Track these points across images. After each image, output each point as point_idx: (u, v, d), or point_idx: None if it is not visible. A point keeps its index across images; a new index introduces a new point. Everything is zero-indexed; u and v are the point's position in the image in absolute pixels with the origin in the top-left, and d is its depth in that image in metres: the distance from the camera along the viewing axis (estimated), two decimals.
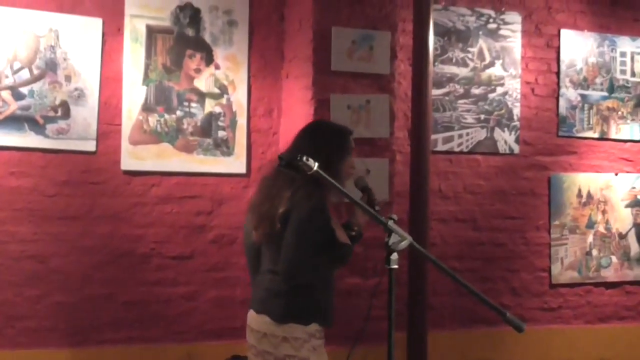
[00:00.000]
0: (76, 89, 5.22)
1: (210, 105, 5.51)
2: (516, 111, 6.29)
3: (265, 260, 3.63)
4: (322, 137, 3.69)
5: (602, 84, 6.60)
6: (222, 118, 5.53)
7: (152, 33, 5.40)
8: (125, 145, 5.32)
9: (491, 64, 6.25)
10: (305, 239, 3.37)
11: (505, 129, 6.26)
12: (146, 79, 5.38)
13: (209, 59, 5.51)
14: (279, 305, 3.52)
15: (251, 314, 3.67)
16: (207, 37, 5.51)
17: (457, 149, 6.13)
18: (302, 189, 3.42)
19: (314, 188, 3.43)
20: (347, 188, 3.52)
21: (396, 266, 2.84)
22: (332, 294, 3.73)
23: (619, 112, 6.63)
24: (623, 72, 6.67)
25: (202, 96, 5.49)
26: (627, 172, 6.65)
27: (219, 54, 5.54)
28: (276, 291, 3.52)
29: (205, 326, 5.52)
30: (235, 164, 5.56)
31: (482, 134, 6.20)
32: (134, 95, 5.35)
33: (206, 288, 5.52)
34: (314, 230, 3.40)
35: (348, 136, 3.73)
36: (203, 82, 5.50)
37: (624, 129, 6.64)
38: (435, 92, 5.93)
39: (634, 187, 6.65)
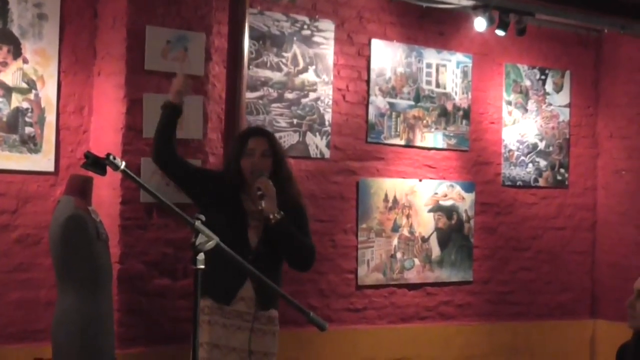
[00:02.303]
0: None
1: (17, 100, 5.31)
2: (328, 117, 6.45)
3: None
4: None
5: (409, 93, 6.87)
6: (29, 114, 5.34)
7: None
8: None
9: (305, 70, 6.38)
10: None
11: (317, 133, 6.40)
12: None
13: (16, 52, 5.32)
14: None
15: None
16: (14, 30, 5.31)
17: None
18: None
19: None
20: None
21: (202, 266, 2.86)
22: (224, 270, 3.95)
23: (424, 121, 6.92)
24: (429, 82, 6.98)
25: (8, 90, 5.28)
26: (431, 178, 6.95)
27: (27, 48, 5.35)
28: None
29: (6, 329, 5.30)
30: (42, 161, 5.39)
31: (294, 138, 6.31)
32: None
33: (8, 290, 5.30)
34: None
35: (243, 139, 4.41)
36: (10, 76, 5.29)
37: (429, 137, 6.94)
38: (249, 95, 5.99)
39: (436, 193, 6.96)
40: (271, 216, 4.21)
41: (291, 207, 4.38)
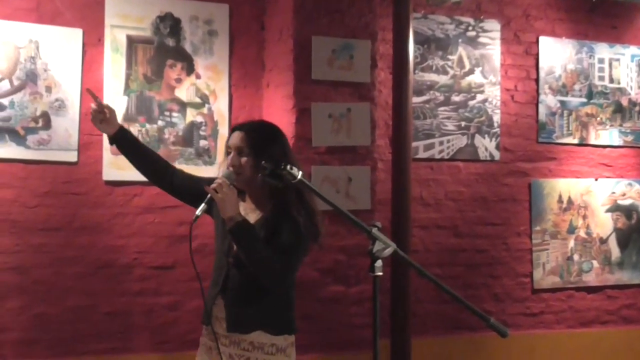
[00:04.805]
0: (57, 100, 5.21)
1: (191, 115, 5.51)
2: (496, 118, 6.33)
3: None
4: None
5: (580, 90, 6.65)
6: (203, 127, 5.53)
7: (132, 43, 5.39)
8: (106, 155, 5.30)
9: (471, 72, 6.28)
10: None
11: (486, 135, 6.29)
12: (127, 89, 5.37)
13: (189, 69, 5.52)
14: None
15: None
16: (187, 47, 5.51)
17: (438, 156, 6.15)
18: None
19: None
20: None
21: (380, 273, 2.84)
22: (210, 287, 3.69)
23: (598, 118, 6.68)
24: (601, 78, 6.73)
25: (183, 106, 5.49)
26: (607, 177, 6.70)
27: (199, 64, 5.54)
28: None
29: (188, 336, 5.49)
30: (217, 173, 5.55)
31: (462, 141, 6.23)
32: (115, 105, 5.24)
33: (188, 298, 5.50)
34: None
35: (229, 134, 3.66)
36: (184, 92, 5.50)
37: (603, 135, 6.69)
38: (415, 99, 5.96)
39: (613, 192, 6.70)
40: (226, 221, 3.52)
41: (272, 214, 3.49)
